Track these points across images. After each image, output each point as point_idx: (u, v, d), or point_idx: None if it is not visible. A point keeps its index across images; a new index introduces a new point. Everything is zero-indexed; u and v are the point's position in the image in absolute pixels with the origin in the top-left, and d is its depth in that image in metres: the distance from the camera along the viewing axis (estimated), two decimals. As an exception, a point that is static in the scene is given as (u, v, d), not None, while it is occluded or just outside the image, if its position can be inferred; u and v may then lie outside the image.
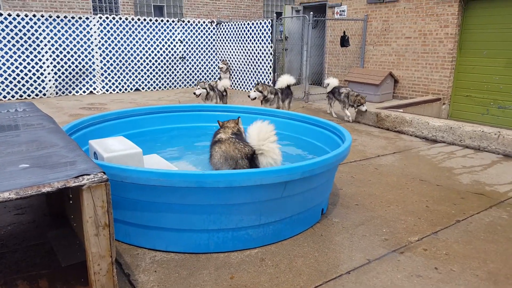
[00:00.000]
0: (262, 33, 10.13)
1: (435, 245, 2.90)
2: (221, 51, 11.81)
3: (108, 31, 9.97)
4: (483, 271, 2.59)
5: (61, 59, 9.44)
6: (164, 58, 10.98)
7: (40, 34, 9.07)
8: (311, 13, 9.01)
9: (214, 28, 11.69)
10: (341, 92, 7.30)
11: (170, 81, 11.24)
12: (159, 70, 10.98)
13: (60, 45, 9.36)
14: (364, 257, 2.71)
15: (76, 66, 9.68)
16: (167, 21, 10.85)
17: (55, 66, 9.38)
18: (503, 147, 5.28)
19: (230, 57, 11.50)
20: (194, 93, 7.14)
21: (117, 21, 10.02)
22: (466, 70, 8.32)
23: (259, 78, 10.51)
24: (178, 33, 11.08)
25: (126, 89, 10.54)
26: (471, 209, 3.54)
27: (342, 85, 7.75)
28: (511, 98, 7.69)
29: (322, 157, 2.91)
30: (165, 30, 10.82)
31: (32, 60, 9.07)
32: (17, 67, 8.92)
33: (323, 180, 3.06)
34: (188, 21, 11.24)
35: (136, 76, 10.63)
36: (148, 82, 10.86)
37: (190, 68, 11.54)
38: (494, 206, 3.63)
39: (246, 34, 10.65)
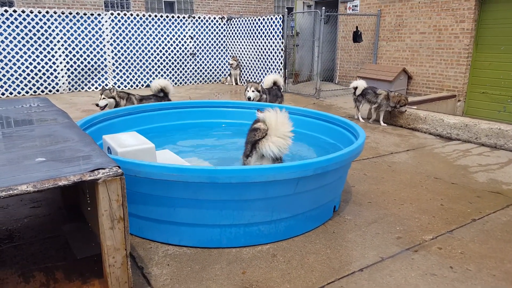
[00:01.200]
0: (273, 29, 10.07)
1: (450, 244, 2.85)
2: (231, 47, 11.79)
3: (120, 28, 10.03)
4: (500, 271, 2.54)
5: (74, 55, 9.54)
6: (175, 54, 11.01)
7: (53, 30, 9.17)
8: (323, 8, 8.92)
9: (224, 24, 11.68)
10: (378, 94, 6.62)
11: (181, 77, 11.28)
12: (170, 66, 11.02)
13: (72, 42, 9.46)
14: (377, 255, 2.68)
15: (88, 63, 9.77)
16: (178, 17, 10.87)
17: (67, 62, 9.48)
18: (520, 145, 5.17)
19: (241, 53, 11.47)
20: (97, 105, 5.41)
21: (128, 18, 10.08)
22: (482, 66, 8.16)
23: (269, 74, 10.46)
24: (189, 29, 11.10)
25: (137, 85, 10.61)
26: (488, 208, 3.47)
27: (370, 86, 7.03)
28: (528, 95, 7.53)
29: (335, 153, 2.88)
30: (175, 26, 10.85)
31: (45, 56, 9.18)
32: (31, 63, 9.04)
33: (336, 177, 3.03)
34: (199, 17, 11.24)
35: (147, 72, 10.68)
36: (159, 78, 10.91)
37: (201, 65, 11.56)
38: (511, 205, 3.56)
39: (257, 30, 10.61)
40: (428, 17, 8.76)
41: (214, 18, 11.51)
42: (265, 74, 10.59)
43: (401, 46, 9.45)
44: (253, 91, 5.99)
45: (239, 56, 11.53)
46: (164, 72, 10.95)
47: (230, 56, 11.86)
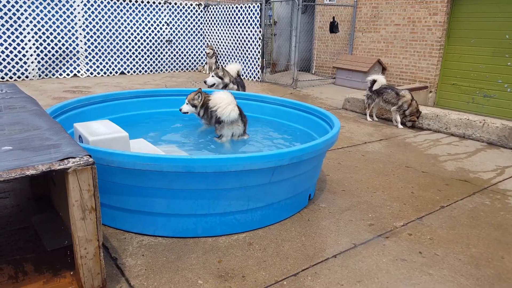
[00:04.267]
0: (251, 17, 9.99)
1: (420, 230, 2.96)
2: (209, 35, 11.62)
3: (93, 12, 9.67)
4: (466, 255, 2.66)
5: (44, 40, 9.13)
6: (150, 41, 10.75)
7: (22, 14, 8.74)
8: (301, -3, 8.90)
9: (201, 11, 11.47)
10: (402, 96, 6.07)
11: (156, 64, 11.04)
12: (145, 53, 10.75)
13: (42, 26, 9.05)
14: (350, 242, 2.75)
15: (60, 48, 9.39)
16: (153, 2, 10.58)
17: (37, 48, 9.08)
18: (487, 135, 5.39)
19: (218, 42, 11.33)
20: (205, 82, 5.73)
21: (101, 2, 9.72)
22: (453, 58, 8.40)
23: (247, 63, 10.41)
24: (165, 16, 10.84)
25: (111, 73, 10.32)
26: (455, 195, 3.62)
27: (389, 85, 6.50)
28: (496, 87, 7.82)
29: (310, 143, 2.91)
30: (151, 12, 10.57)
31: (13, 40, 8.75)
32: (-3, 48, 8.61)
33: (311, 166, 3.07)
34: (175, 3, 10.98)
35: (122, 59, 10.39)
36: (134, 65, 10.64)
37: (177, 52, 11.34)
38: (477, 192, 3.72)
39: (234, 18, 10.49)
40: (403, 9, 8.91)
41: (191, 5, 11.28)
42: (243, 63, 10.52)
43: (376, 37, 9.58)
44: (212, 76, 5.73)
45: (217, 45, 11.39)
46: (139, 59, 10.68)
47: (208, 44, 11.69)
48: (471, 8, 7.98)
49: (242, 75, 8.42)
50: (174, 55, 11.32)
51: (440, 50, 8.46)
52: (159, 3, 10.68)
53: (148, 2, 10.48)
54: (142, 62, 10.76)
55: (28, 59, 9.02)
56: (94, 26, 9.76)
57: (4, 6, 8.49)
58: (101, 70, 10.14)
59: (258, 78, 10.17)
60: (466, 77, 8.25)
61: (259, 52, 10.03)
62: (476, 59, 8.03)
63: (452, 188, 3.80)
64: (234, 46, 10.79)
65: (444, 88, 8.65)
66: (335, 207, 3.27)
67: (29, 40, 8.95)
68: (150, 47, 10.79)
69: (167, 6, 10.80)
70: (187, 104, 4.32)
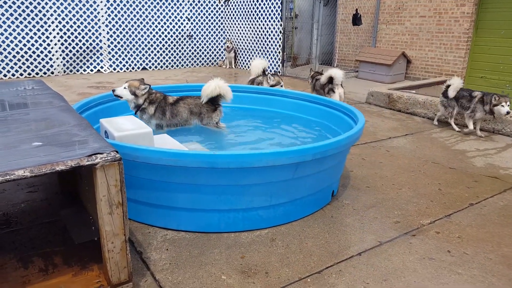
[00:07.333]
0: (272, 11, 9.90)
1: (448, 228, 2.87)
2: (229, 29, 11.60)
3: (115, 8, 9.81)
4: (497, 254, 2.57)
5: (68, 37, 9.35)
6: (172, 36, 10.83)
7: (47, 11, 8.96)
8: (323, -10, 8.74)
9: (222, 6, 11.46)
10: (474, 96, 5.26)
11: (178, 60, 11.12)
12: (166, 48, 10.84)
13: (67, 23, 9.26)
14: (376, 239, 2.69)
15: (84, 44, 9.60)
16: (175, -2, 10.65)
17: (62, 44, 9.30)
18: (518, 130, 5.17)
19: (238, 36, 11.30)
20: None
21: (124, -2, 9.86)
22: (481, 50, 8.09)
23: (268, 57, 10.35)
24: (186, 11, 10.89)
25: (133, 68, 10.47)
26: (485, 193, 3.49)
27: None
28: (527, 79, 7.49)
29: (334, 138, 2.86)
30: (172, 7, 10.63)
31: (39, 37, 8.99)
32: (24, 45, 8.86)
33: (334, 162, 3.02)
34: (196, -2, 11.02)
35: (143, 55, 10.52)
36: (155, 61, 10.76)
37: (198, 47, 11.39)
38: (508, 189, 3.58)
39: (255, 11, 10.43)
40: (429, 0, 8.62)
41: (211, -1, 11.29)
42: (264, 57, 10.45)
43: (400, 29, 9.33)
44: (275, 78, 5.77)
45: (237, 39, 11.36)
46: (161, 55, 10.79)
47: (228, 38, 11.68)
48: (501, -2, 7.64)
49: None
50: (195, 50, 11.37)
51: (468, 42, 8.16)
52: (180, -2, 10.73)
53: (169, -2, 10.55)
54: (164, 58, 10.87)
55: (53, 55, 9.25)
56: (116, 22, 9.91)
57: (31, 3, 8.72)
58: (124, 65, 10.30)
59: (279, 72, 10.10)
60: (495, 70, 7.93)
61: (280, 45, 9.94)
62: (506, 51, 7.71)
63: (482, 185, 3.67)
64: (254, 40, 10.74)
65: (472, 81, 8.35)
66: (359, 203, 3.22)
67: (54, 37, 9.17)
68: (172, 42, 10.87)
69: (188, 1, 10.83)
70: (125, 88, 3.79)
